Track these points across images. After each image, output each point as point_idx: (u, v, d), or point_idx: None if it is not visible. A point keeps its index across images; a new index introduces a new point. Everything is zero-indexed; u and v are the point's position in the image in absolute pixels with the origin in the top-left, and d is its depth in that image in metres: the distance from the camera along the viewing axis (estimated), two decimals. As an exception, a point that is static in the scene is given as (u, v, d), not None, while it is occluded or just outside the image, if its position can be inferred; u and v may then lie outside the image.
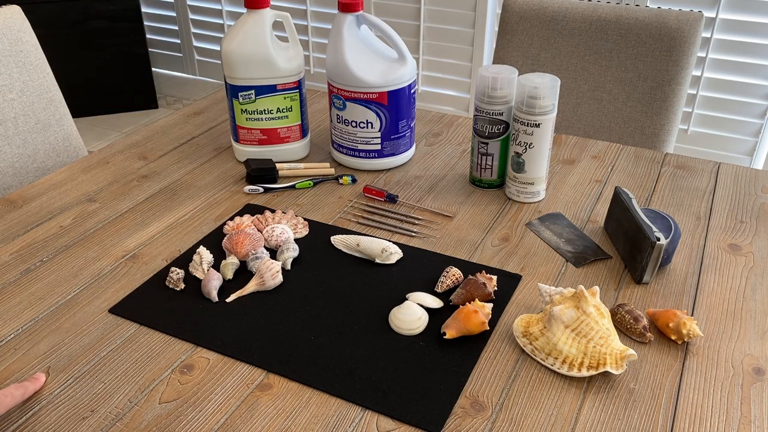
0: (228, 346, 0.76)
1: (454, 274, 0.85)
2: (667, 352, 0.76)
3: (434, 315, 0.81)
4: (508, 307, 0.83)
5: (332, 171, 1.14)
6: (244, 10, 1.09)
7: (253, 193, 1.08)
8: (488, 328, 0.78)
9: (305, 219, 1.01)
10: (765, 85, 2.16)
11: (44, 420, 0.68)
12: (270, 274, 0.85)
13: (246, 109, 1.12)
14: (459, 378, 0.72)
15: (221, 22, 3.13)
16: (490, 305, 0.79)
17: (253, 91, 1.10)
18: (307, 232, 0.97)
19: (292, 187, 1.09)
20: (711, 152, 2.33)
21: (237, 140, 1.16)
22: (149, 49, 3.38)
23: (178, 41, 3.34)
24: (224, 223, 0.99)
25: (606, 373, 0.73)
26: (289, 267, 0.89)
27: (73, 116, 3.16)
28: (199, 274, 0.87)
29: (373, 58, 1.08)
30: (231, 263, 0.88)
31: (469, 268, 0.89)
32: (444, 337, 0.77)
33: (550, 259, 0.92)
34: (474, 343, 0.77)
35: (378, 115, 1.09)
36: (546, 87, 0.96)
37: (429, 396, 0.70)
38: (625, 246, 0.90)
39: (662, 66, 1.44)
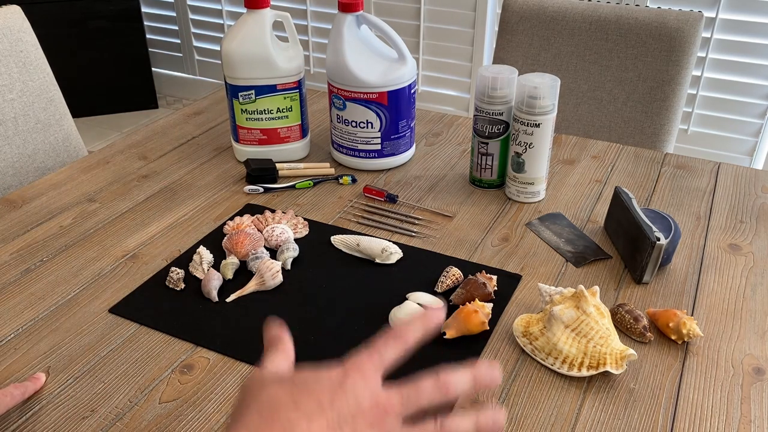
0: (228, 346, 0.76)
1: (454, 274, 0.85)
2: (667, 352, 0.76)
3: (434, 315, 0.81)
4: (508, 307, 0.83)
5: (332, 171, 1.14)
6: (244, 10, 1.09)
7: (253, 193, 1.08)
8: (488, 328, 0.78)
9: (305, 219, 1.01)
10: (765, 85, 2.16)
11: (44, 420, 0.68)
12: (270, 274, 0.85)
13: (246, 109, 1.12)
14: (459, 378, 0.72)
15: (221, 22, 3.13)
16: (490, 305, 0.79)
17: (253, 91, 1.10)
18: (307, 232, 0.97)
19: (292, 187, 1.09)
20: (711, 152, 2.33)
21: (237, 140, 1.16)
22: (149, 49, 3.38)
23: (178, 41, 3.34)
24: (224, 223, 0.99)
25: (606, 373, 0.73)
26: (289, 267, 0.89)
27: (73, 116, 3.16)
28: (199, 274, 0.87)
29: (373, 58, 1.08)
30: (231, 263, 0.88)
31: (469, 268, 0.89)
32: (444, 337, 0.77)
33: (550, 259, 0.92)
34: (474, 343, 0.76)
35: (378, 115, 1.09)
36: (546, 87, 0.96)
37: (429, 396, 0.70)
38: (625, 246, 0.90)
39: (662, 66, 1.44)
